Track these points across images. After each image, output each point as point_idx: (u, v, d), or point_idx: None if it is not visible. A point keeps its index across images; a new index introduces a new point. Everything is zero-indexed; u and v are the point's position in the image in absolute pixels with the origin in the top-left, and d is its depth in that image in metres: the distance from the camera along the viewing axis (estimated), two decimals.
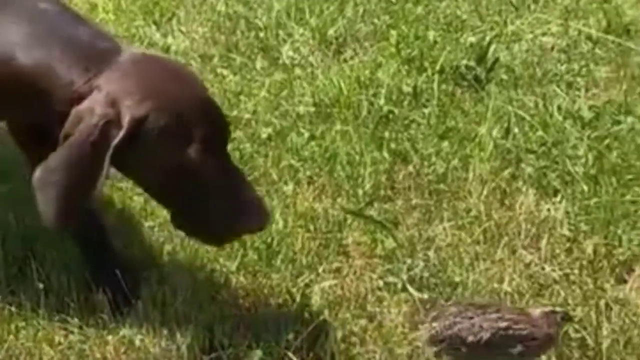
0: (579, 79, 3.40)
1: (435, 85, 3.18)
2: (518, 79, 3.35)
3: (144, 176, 1.76)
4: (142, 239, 2.31)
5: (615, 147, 2.88)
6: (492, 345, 1.93)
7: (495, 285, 2.29)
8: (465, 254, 2.40)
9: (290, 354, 2.02)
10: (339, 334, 2.07)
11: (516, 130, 2.93)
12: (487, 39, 3.58)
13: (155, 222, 2.41)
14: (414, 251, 2.35)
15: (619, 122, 3.05)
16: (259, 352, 1.97)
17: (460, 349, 1.92)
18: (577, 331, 2.14)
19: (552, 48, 3.67)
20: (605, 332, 2.17)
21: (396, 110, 3.11)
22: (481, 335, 1.93)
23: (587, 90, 3.33)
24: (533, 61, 3.49)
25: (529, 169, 2.73)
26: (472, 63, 3.37)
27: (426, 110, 3.08)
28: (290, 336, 2.06)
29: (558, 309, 2.06)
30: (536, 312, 2.02)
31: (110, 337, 2.05)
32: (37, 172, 1.72)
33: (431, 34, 3.64)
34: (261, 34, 3.60)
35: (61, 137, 1.71)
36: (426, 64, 3.38)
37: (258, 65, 3.44)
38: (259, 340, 2.06)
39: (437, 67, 3.33)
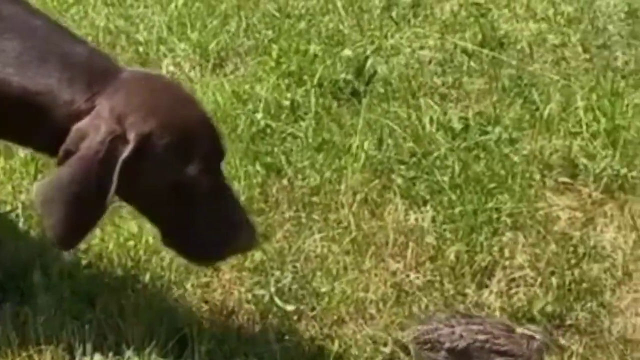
0: (452, 91, 3.51)
1: (312, 99, 3.23)
2: (394, 92, 3.44)
3: (143, 192, 1.77)
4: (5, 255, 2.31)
5: (483, 157, 2.98)
6: (469, 355, 2.01)
7: (361, 294, 2.35)
8: (334, 265, 2.46)
9: None
10: (203, 349, 2.10)
11: (389, 141, 3.00)
12: (367, 52, 3.66)
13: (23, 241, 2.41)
14: (284, 263, 2.40)
15: (486, 133, 3.15)
16: None
17: (440, 352, 1.99)
18: None
19: (430, 61, 3.77)
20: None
21: (273, 124, 3.15)
22: (458, 343, 2.01)
23: (459, 102, 3.45)
24: (409, 74, 3.58)
25: (399, 180, 2.81)
26: (350, 77, 3.43)
27: (303, 124, 3.14)
28: (154, 354, 2.08)
29: (538, 336, 2.12)
30: (519, 330, 2.10)
31: None
32: (39, 190, 1.72)
33: (312, 48, 3.70)
34: (141, 49, 3.61)
35: (61, 154, 1.71)
36: (305, 77, 3.44)
37: None
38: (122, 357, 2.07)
39: (316, 81, 3.39)
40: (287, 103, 3.27)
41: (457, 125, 3.17)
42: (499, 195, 2.74)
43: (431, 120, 3.19)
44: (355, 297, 2.34)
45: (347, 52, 3.54)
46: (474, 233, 2.60)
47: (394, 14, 4.11)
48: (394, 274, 2.46)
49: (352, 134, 3.05)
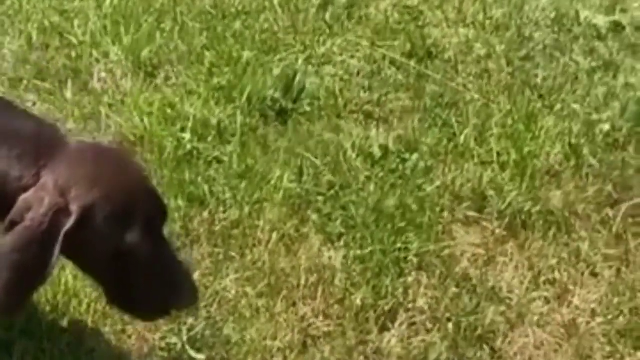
0: (376, 110, 3.65)
1: (239, 119, 3.35)
2: (321, 110, 3.56)
3: (86, 258, 1.88)
4: None
5: (399, 186, 3.14)
6: None
7: (269, 342, 2.52)
8: (247, 309, 2.62)
9: None
10: None
11: (310, 171, 3.13)
12: (298, 62, 3.76)
13: None
14: (197, 309, 2.55)
15: (404, 160, 3.31)
16: None
17: None
18: None
19: (358, 73, 3.89)
20: None
21: (200, 147, 3.27)
22: None
23: (382, 122, 3.58)
24: (337, 89, 3.70)
25: (314, 216, 2.96)
26: (278, 94, 3.54)
27: (229, 147, 3.26)
28: None
29: None
30: None
31: None
32: None
33: (245, 55, 3.80)
34: (74, 53, 3.67)
35: (6, 224, 1.80)
36: (235, 94, 3.54)
37: (68, 93, 3.53)
38: None
39: (244, 98, 3.50)
40: (214, 122, 3.37)
41: (377, 152, 3.31)
42: (409, 232, 2.90)
43: (353, 145, 3.33)
44: (263, 345, 2.51)
45: (277, 70, 3.62)
46: (381, 274, 2.76)
47: (328, 14, 4.20)
48: (302, 318, 2.62)
49: (275, 162, 3.17)
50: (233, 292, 2.66)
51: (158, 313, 2.00)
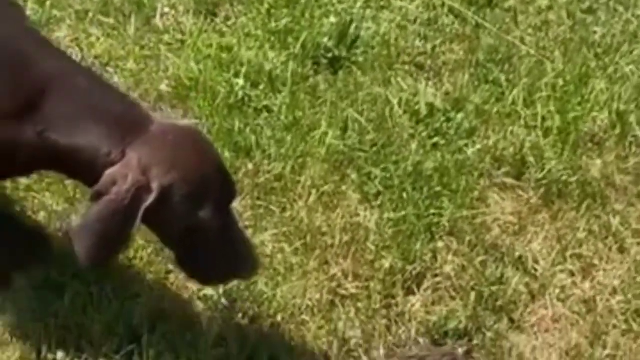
0: (428, 62, 3.69)
1: (290, 67, 3.44)
2: (375, 59, 3.63)
3: (163, 230, 2.11)
4: None
5: (441, 146, 3.23)
6: None
7: (298, 300, 2.69)
8: (281, 265, 2.78)
9: None
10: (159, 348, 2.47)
11: (355, 128, 3.24)
12: (357, 4, 3.79)
13: None
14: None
15: (449, 120, 3.38)
16: None
17: None
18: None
19: (415, 20, 3.93)
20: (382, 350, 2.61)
21: (252, 94, 3.38)
22: None
23: (433, 75, 3.64)
24: (392, 37, 3.75)
25: (354, 174, 3.08)
26: (331, 43, 3.61)
27: (280, 97, 3.36)
28: (114, 347, 2.45)
29: None
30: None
31: None
32: (76, 223, 2.09)
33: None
34: None
35: (93, 194, 2.03)
36: (290, 39, 3.62)
37: (131, 28, 3.64)
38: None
39: (299, 45, 3.58)
40: (268, 69, 3.47)
41: (423, 110, 3.38)
42: (444, 197, 3.00)
43: (400, 101, 3.40)
44: (293, 302, 2.67)
45: (333, 18, 3.68)
46: (412, 238, 2.89)
47: None
48: (332, 278, 2.78)
49: (322, 115, 3.28)
50: (270, 247, 2.81)
51: (221, 280, 2.27)
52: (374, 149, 3.18)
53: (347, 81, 3.50)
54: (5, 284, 2.48)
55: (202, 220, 2.05)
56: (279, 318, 2.60)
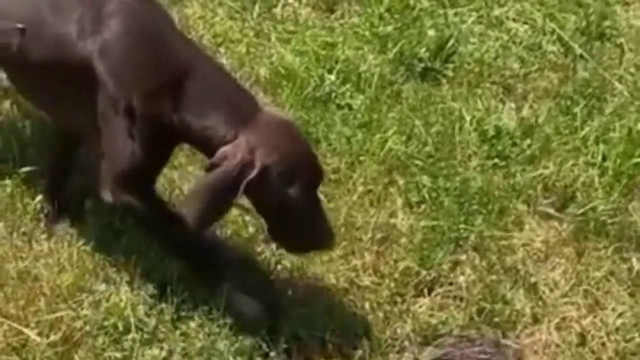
0: (519, 85, 3.90)
1: (377, 71, 3.75)
2: (466, 74, 3.87)
3: (259, 201, 2.54)
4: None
5: (498, 167, 3.45)
6: None
7: (319, 282, 3.04)
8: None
9: None
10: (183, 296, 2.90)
11: (419, 137, 3.52)
12: (469, 20, 4.05)
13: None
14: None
15: (515, 145, 3.60)
16: None
17: None
18: None
19: (520, 42, 4.14)
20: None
21: (339, 91, 3.72)
22: None
23: (521, 98, 3.85)
24: (492, 55, 3.98)
25: (402, 180, 3.36)
26: (427, 54, 3.89)
27: (361, 97, 3.69)
28: (148, 290, 2.90)
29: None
30: (503, 342, 2.88)
31: None
32: (191, 187, 2.58)
33: (419, 5, 4.14)
34: None
35: (208, 164, 2.49)
36: (390, 44, 3.93)
37: (253, 14, 4.06)
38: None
39: (395, 51, 3.88)
40: (361, 69, 3.79)
41: (491, 131, 3.62)
42: (480, 215, 3.25)
43: (472, 119, 3.64)
44: (313, 284, 3.02)
45: (431, 32, 3.95)
46: (437, 247, 3.16)
47: None
48: (353, 268, 3.09)
49: (394, 119, 3.57)
50: None
51: (302, 250, 2.71)
52: (431, 159, 3.44)
53: (429, 92, 3.77)
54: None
55: (292, 197, 2.48)
56: (298, 292, 2.94)
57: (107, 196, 2.69)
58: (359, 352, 2.78)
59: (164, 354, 2.76)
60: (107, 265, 2.93)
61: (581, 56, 4.01)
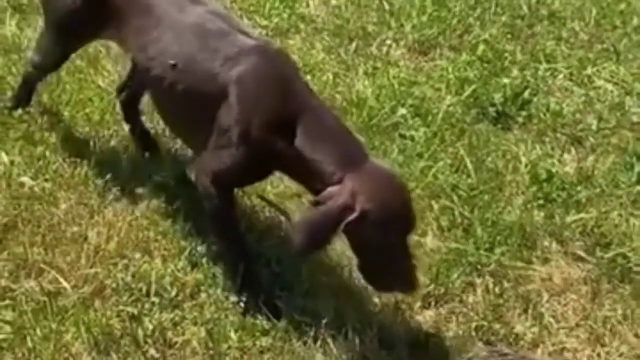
0: (591, 138, 4.01)
1: (447, 108, 3.99)
2: (538, 123, 4.04)
3: (355, 241, 2.73)
4: None
5: (540, 207, 3.58)
6: None
7: (335, 279, 3.28)
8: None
9: None
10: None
11: (467, 171, 3.71)
12: (559, 75, 4.22)
13: None
14: None
15: (564, 189, 3.71)
16: None
17: None
18: None
19: (604, 100, 4.26)
20: None
21: (407, 123, 3.99)
22: None
23: (590, 150, 3.94)
24: (570, 109, 4.13)
25: (437, 205, 3.56)
26: (502, 99, 4.09)
27: (424, 129, 3.93)
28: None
29: None
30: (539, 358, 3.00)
31: None
32: (299, 220, 2.79)
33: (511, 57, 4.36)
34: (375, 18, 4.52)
35: (313, 201, 2.73)
36: (467, 86, 4.16)
37: (352, 48, 4.41)
38: None
39: (468, 92, 4.10)
40: (430, 106, 4.04)
41: (543, 174, 3.76)
42: (505, 246, 3.39)
43: (528, 161, 3.80)
44: (331, 282, 3.26)
45: (505, 80, 4.15)
46: (454, 267, 3.33)
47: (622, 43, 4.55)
48: None
49: (447, 153, 3.79)
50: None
51: (387, 290, 2.90)
52: (474, 191, 3.62)
53: (495, 134, 3.95)
54: None
55: (384, 241, 2.68)
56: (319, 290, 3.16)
57: (197, 178, 3.00)
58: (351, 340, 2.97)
59: (176, 318, 3.06)
60: (149, 239, 3.29)
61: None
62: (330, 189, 2.69)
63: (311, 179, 2.79)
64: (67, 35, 3.35)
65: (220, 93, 2.91)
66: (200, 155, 3.05)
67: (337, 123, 2.88)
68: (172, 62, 3.02)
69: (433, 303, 3.20)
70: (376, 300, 3.13)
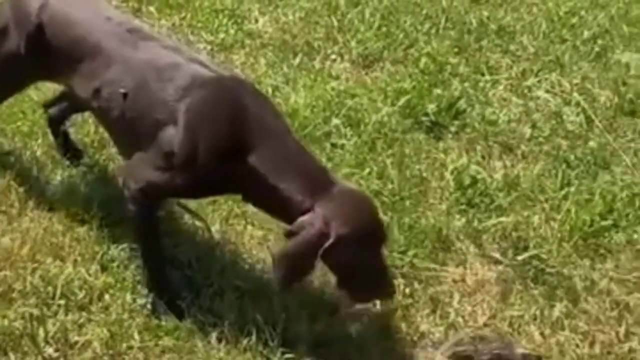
0: (522, 146, 4.01)
1: (378, 118, 4.02)
2: (472, 132, 4.06)
3: (332, 264, 2.75)
4: None
5: (464, 212, 3.60)
6: None
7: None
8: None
9: None
10: None
11: (388, 178, 3.73)
12: (499, 87, 4.26)
13: None
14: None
15: (486, 195, 3.72)
16: None
17: None
18: None
19: (543, 110, 4.28)
20: None
21: (338, 132, 4.02)
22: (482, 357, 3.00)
23: (519, 158, 3.95)
24: (505, 119, 4.15)
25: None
26: (435, 109, 4.12)
27: (355, 138, 3.96)
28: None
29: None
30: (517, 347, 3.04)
31: None
32: (277, 254, 2.76)
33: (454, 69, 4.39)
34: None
35: (287, 231, 2.72)
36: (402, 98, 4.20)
37: (295, 62, 4.46)
38: None
39: (402, 101, 4.13)
40: (363, 116, 4.07)
41: (467, 180, 3.76)
42: (419, 249, 3.40)
43: (454, 168, 3.81)
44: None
45: (440, 91, 4.18)
46: None
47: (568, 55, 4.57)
48: None
49: (375, 161, 3.81)
50: None
51: (367, 301, 2.96)
52: (396, 197, 3.63)
53: (426, 142, 3.97)
54: None
55: (361, 259, 2.74)
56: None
57: (124, 181, 2.98)
58: None
59: (82, 320, 3.10)
60: (64, 245, 3.34)
61: (600, 129, 4.06)
62: (303, 219, 2.71)
63: (278, 206, 2.80)
64: (8, 80, 3.38)
65: (169, 119, 2.92)
66: (130, 159, 3.05)
67: (301, 149, 2.88)
68: (122, 90, 3.00)
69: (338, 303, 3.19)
70: (280, 300, 3.13)
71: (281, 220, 2.83)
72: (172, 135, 2.90)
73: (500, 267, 3.34)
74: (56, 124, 3.63)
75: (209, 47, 4.47)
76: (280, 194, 2.75)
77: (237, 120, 2.86)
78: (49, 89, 3.74)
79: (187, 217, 3.42)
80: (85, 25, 3.11)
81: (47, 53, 3.15)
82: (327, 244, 2.65)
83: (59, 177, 3.56)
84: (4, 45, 3.25)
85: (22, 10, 3.20)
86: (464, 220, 3.53)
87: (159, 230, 3.13)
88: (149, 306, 3.08)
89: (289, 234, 2.73)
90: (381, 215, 2.86)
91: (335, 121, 4.00)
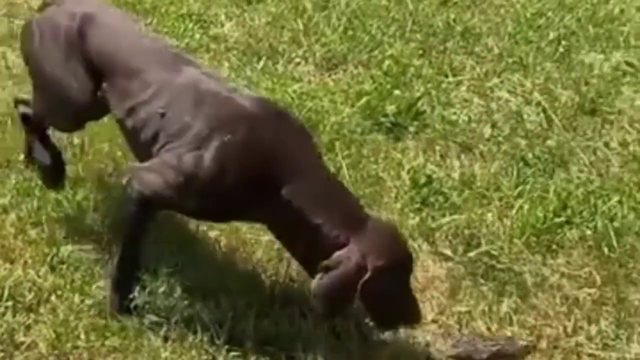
0: (480, 145, 4.03)
1: (337, 118, 4.03)
2: (431, 132, 4.06)
3: (368, 297, 2.77)
4: None
5: (418, 211, 3.60)
6: None
7: None
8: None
9: None
10: None
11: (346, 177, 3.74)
12: (462, 87, 4.27)
13: None
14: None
15: (441, 193, 3.73)
16: None
17: None
18: None
19: (500, 110, 4.29)
20: None
21: None
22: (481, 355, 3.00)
23: (477, 158, 3.95)
24: (465, 119, 4.16)
25: None
26: (394, 109, 4.13)
27: (323, 136, 3.95)
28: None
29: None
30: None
31: None
32: (316, 285, 2.79)
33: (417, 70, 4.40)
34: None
35: (323, 266, 2.75)
36: (363, 99, 4.21)
37: (259, 66, 4.48)
38: None
39: (362, 102, 4.13)
40: (325, 116, 4.08)
41: (422, 179, 3.77)
42: None
43: (411, 168, 3.82)
44: None
45: (400, 92, 4.19)
46: None
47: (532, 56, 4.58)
48: None
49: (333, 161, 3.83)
50: None
51: (396, 327, 2.98)
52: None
53: (384, 143, 3.98)
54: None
55: (394, 290, 2.82)
56: None
57: (131, 179, 2.98)
58: None
59: (29, 321, 3.11)
60: (15, 247, 3.34)
61: (560, 128, 4.07)
62: (339, 253, 2.76)
63: (309, 240, 2.81)
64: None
65: (201, 145, 2.89)
66: (143, 162, 3.04)
67: (335, 183, 2.93)
68: (161, 110, 2.99)
69: (286, 302, 3.20)
70: (229, 300, 3.14)
71: (305, 253, 2.85)
72: (199, 159, 2.90)
73: (450, 264, 3.33)
74: (33, 124, 3.51)
75: None
76: (314, 228, 2.78)
77: (270, 156, 2.85)
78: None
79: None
80: (126, 44, 3.09)
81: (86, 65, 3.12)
82: (365, 277, 2.71)
83: (12, 180, 3.54)
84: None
85: (57, 24, 3.14)
86: (417, 218, 3.52)
87: (145, 237, 3.10)
88: (97, 306, 3.07)
89: (326, 269, 2.76)
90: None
91: None
